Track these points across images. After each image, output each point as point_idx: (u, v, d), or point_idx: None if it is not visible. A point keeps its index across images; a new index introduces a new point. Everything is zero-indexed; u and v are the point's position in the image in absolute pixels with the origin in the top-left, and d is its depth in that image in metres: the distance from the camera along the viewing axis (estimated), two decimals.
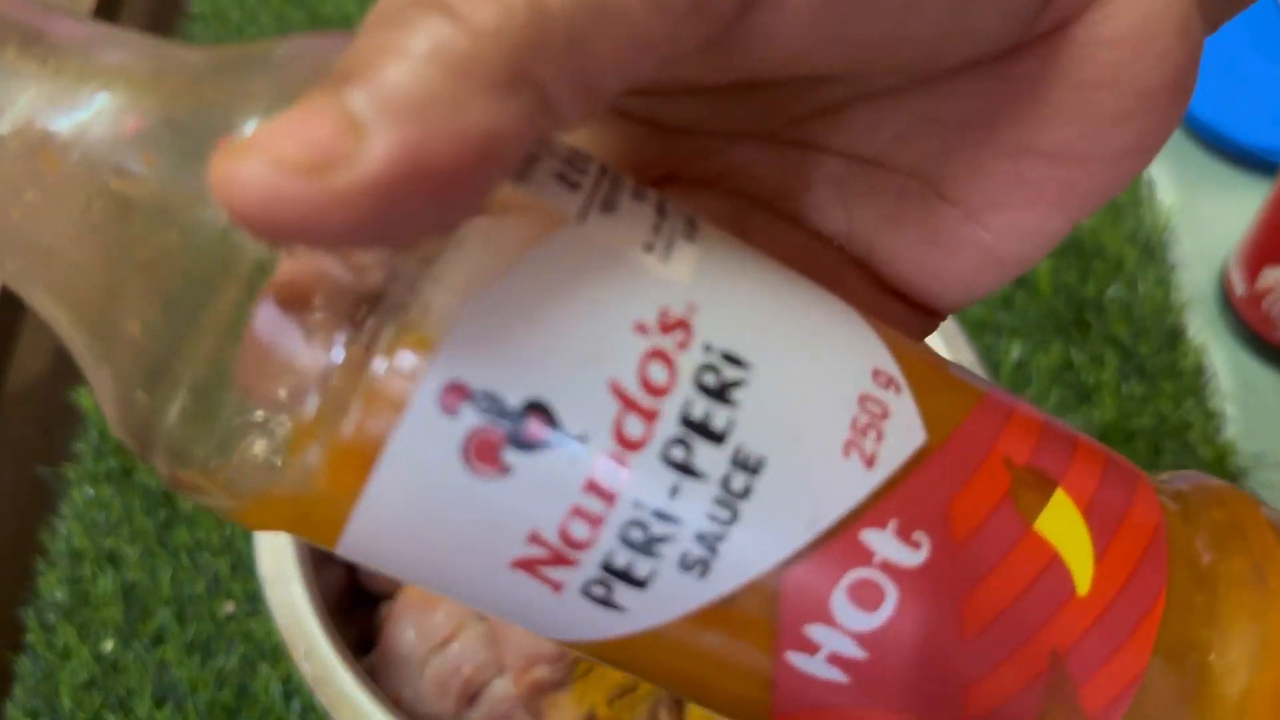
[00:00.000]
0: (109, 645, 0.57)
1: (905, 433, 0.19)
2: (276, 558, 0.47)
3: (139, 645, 0.56)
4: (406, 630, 0.50)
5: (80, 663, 0.56)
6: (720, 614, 0.18)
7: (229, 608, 0.57)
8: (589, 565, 0.18)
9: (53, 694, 0.56)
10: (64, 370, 0.69)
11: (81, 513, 0.61)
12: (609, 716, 0.48)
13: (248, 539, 0.59)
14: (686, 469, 0.18)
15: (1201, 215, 0.71)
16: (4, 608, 0.61)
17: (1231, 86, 0.75)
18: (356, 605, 0.55)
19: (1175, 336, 0.65)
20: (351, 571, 0.55)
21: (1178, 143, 0.75)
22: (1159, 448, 0.60)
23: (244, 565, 0.58)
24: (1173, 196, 0.72)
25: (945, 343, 0.52)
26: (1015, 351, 0.64)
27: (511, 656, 0.48)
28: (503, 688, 0.50)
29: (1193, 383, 0.63)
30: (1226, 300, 0.66)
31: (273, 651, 0.56)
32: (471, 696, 0.50)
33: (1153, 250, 0.68)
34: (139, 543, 0.59)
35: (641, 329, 0.18)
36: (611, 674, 0.48)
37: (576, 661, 0.48)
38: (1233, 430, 0.63)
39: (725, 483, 0.18)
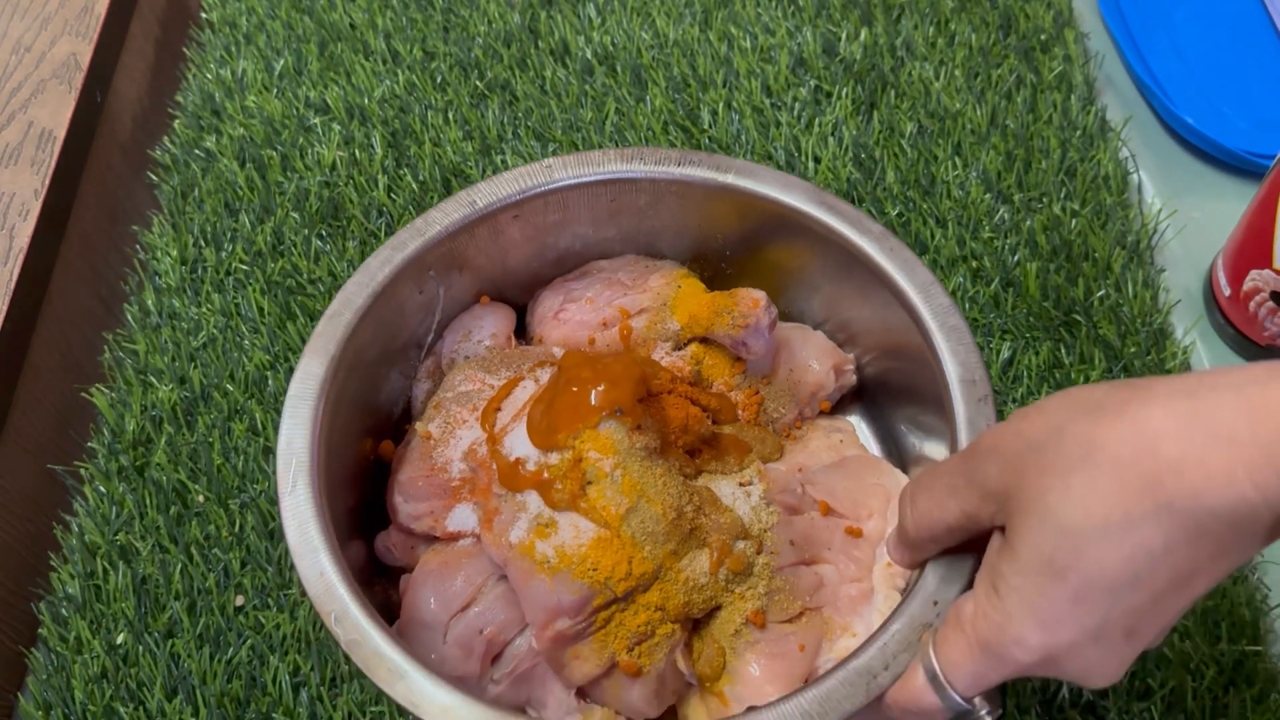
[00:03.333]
0: (121, 638, 0.58)
1: None
2: (302, 530, 0.49)
3: (151, 638, 0.57)
4: (427, 598, 0.52)
5: (93, 655, 0.57)
6: None
7: (239, 601, 0.58)
8: None
9: (65, 686, 0.57)
10: (78, 369, 0.70)
11: (94, 509, 0.62)
12: (629, 663, 0.50)
13: (258, 534, 0.60)
14: None
15: (1188, 218, 0.72)
16: (18, 602, 0.62)
17: (1218, 92, 0.76)
18: (375, 578, 0.57)
19: (1162, 337, 0.66)
20: (370, 546, 0.57)
21: (1165, 147, 0.76)
22: None
23: (254, 559, 0.60)
24: (1160, 200, 0.73)
25: (946, 339, 0.54)
26: (1005, 351, 0.65)
27: (532, 612, 0.50)
28: (525, 644, 0.51)
29: None
30: (1213, 301, 0.68)
31: (282, 643, 0.57)
32: (495, 656, 0.51)
33: (1140, 253, 0.69)
34: (151, 538, 0.61)
35: None
36: (630, 623, 0.50)
37: (596, 612, 0.49)
38: None
39: None
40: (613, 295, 0.61)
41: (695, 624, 0.52)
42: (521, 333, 0.63)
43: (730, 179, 0.58)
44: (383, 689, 0.44)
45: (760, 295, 0.58)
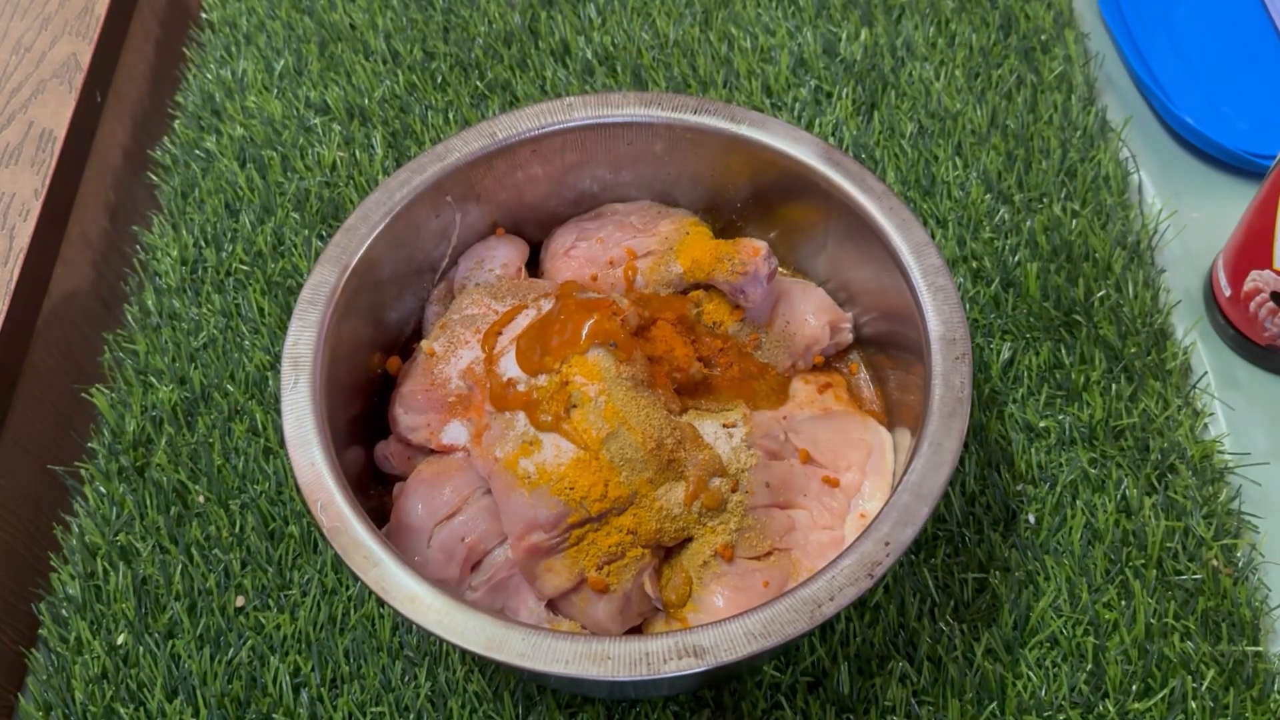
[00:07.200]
0: (121, 639, 0.58)
1: None
2: (299, 424, 0.51)
3: (151, 639, 0.57)
4: (416, 504, 0.54)
5: (93, 656, 0.57)
6: None
7: (239, 602, 0.58)
8: None
9: (66, 687, 0.57)
10: (78, 369, 0.70)
11: (95, 509, 0.62)
12: (597, 580, 0.52)
13: (259, 535, 0.60)
14: None
15: (1188, 219, 0.72)
16: (18, 602, 0.62)
17: (1218, 92, 0.76)
18: (373, 485, 0.59)
19: (1163, 337, 0.66)
20: (371, 455, 0.59)
21: (1165, 147, 0.76)
22: (1146, 445, 0.61)
23: (254, 560, 0.60)
24: (1160, 200, 0.73)
25: (932, 298, 0.54)
26: (1005, 352, 0.65)
27: (510, 523, 0.52)
28: (502, 555, 0.53)
29: (1180, 382, 0.64)
30: (1213, 302, 0.68)
31: (282, 644, 0.57)
32: (474, 563, 0.54)
33: (1140, 253, 0.69)
34: (151, 539, 0.61)
35: None
36: (602, 543, 0.52)
37: (570, 529, 0.51)
38: (1219, 428, 0.64)
39: None
40: (623, 236, 0.63)
41: (667, 553, 0.54)
42: (536, 269, 0.65)
43: (743, 130, 0.60)
44: (357, 574, 0.46)
45: (761, 245, 0.60)
